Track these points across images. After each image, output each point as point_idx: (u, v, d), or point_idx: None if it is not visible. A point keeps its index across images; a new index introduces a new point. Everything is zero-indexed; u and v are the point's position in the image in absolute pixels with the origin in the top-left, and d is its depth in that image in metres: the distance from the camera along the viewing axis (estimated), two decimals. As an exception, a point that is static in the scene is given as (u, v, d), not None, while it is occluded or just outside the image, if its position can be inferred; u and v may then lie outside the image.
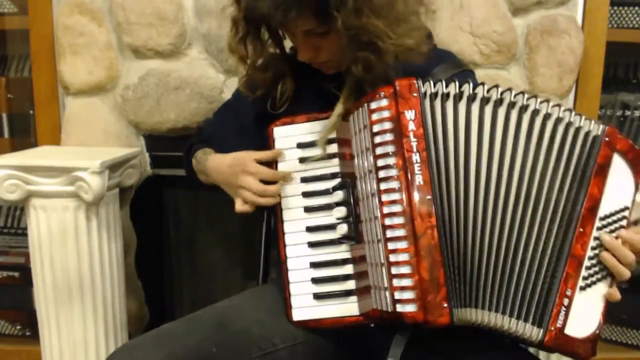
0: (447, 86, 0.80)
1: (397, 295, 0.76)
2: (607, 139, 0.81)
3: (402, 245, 0.76)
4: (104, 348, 1.34)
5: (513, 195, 0.80)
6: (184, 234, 1.66)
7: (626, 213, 0.83)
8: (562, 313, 0.79)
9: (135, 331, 1.57)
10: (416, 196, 0.76)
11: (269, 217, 1.17)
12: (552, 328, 0.79)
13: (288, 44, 0.95)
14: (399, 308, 0.76)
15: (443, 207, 0.78)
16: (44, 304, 1.30)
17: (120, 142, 1.46)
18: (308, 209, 0.90)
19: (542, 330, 0.79)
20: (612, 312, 1.72)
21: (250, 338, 0.86)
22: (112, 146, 1.45)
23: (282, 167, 0.92)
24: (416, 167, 0.77)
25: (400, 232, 0.77)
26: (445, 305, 0.75)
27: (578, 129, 0.81)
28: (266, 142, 0.95)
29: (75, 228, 1.26)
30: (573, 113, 0.81)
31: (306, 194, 0.90)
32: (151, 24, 1.39)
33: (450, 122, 0.80)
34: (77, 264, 1.27)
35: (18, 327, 1.74)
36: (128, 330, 1.46)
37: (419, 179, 0.77)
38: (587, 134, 0.81)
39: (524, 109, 0.80)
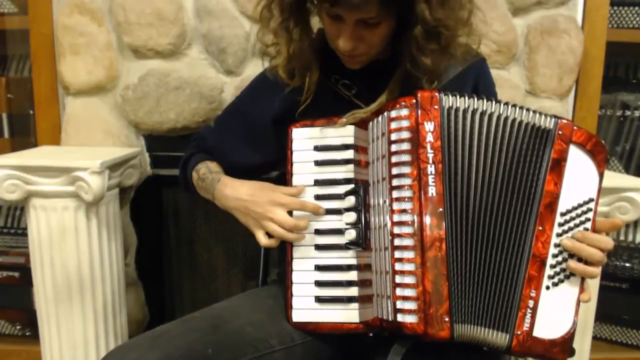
0: (470, 100, 0.80)
1: (399, 304, 0.76)
2: (560, 132, 0.80)
3: (409, 255, 0.76)
4: (104, 348, 1.34)
5: (505, 207, 0.80)
6: (184, 234, 1.65)
7: (591, 205, 0.81)
8: (528, 316, 0.78)
9: (135, 331, 1.57)
10: (428, 207, 0.76)
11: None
12: (519, 332, 0.78)
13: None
14: (400, 318, 0.76)
15: (454, 221, 0.77)
16: (44, 304, 1.30)
17: (120, 142, 1.46)
18: None
19: (508, 335, 0.78)
20: (612, 312, 1.73)
21: (244, 339, 0.85)
22: (112, 146, 1.45)
23: (297, 168, 0.92)
24: (430, 179, 0.76)
25: (408, 242, 0.76)
26: (447, 319, 0.74)
27: (533, 127, 0.80)
28: (278, 148, 0.95)
29: (75, 228, 1.26)
30: (530, 112, 0.81)
31: (318, 197, 0.90)
32: (151, 24, 1.39)
33: (475, 137, 0.79)
34: (77, 264, 1.27)
35: (18, 327, 1.74)
36: (128, 330, 1.47)
37: (432, 191, 0.76)
38: (539, 130, 0.80)
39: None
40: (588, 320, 1.36)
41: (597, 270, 0.80)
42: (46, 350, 1.33)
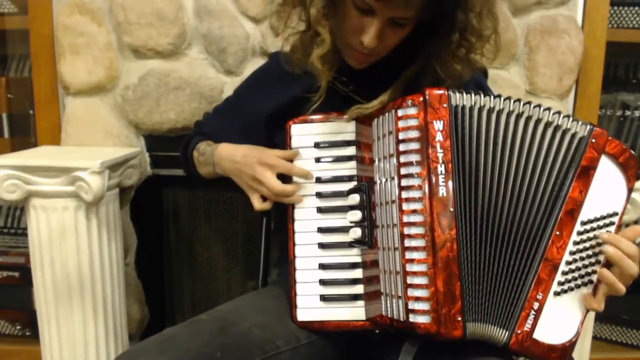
0: (478, 98, 0.79)
1: (411, 305, 0.76)
2: (593, 140, 0.79)
3: (420, 255, 0.76)
4: (103, 348, 1.34)
5: (525, 208, 0.79)
6: (184, 234, 1.66)
7: (615, 219, 0.80)
8: (531, 317, 0.77)
9: (135, 331, 1.57)
10: (438, 208, 0.75)
11: (269, 218, 1.16)
12: (519, 331, 0.77)
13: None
14: (412, 318, 0.76)
15: (465, 220, 0.77)
16: (44, 304, 1.30)
17: (120, 142, 1.46)
18: (321, 210, 0.89)
19: (507, 332, 0.78)
20: (612, 312, 1.73)
21: (251, 341, 0.84)
22: (112, 146, 1.45)
23: (297, 165, 0.91)
24: (440, 179, 0.76)
25: (419, 243, 0.76)
26: (460, 318, 0.74)
27: (565, 131, 0.79)
28: (271, 143, 0.94)
29: (75, 228, 1.26)
30: (562, 115, 0.80)
31: (320, 195, 0.89)
32: (151, 24, 1.39)
33: (482, 136, 0.78)
34: (77, 264, 1.27)
35: (18, 327, 1.74)
36: (128, 330, 1.47)
37: (442, 191, 0.76)
38: (572, 135, 0.79)
39: (535, 120, 0.80)
40: (588, 320, 1.36)
41: (623, 287, 0.77)
42: (46, 350, 1.33)
